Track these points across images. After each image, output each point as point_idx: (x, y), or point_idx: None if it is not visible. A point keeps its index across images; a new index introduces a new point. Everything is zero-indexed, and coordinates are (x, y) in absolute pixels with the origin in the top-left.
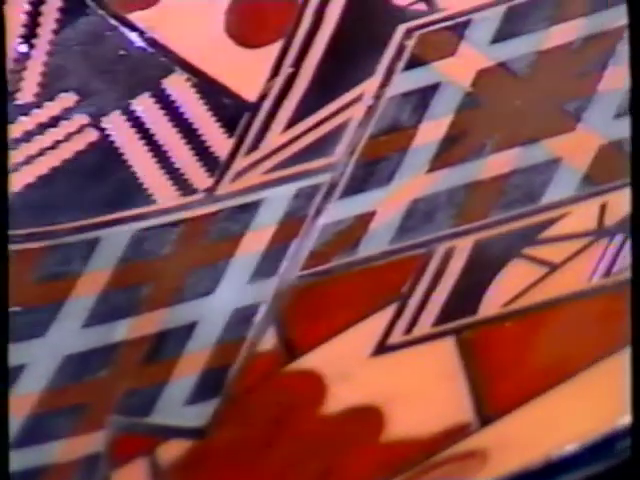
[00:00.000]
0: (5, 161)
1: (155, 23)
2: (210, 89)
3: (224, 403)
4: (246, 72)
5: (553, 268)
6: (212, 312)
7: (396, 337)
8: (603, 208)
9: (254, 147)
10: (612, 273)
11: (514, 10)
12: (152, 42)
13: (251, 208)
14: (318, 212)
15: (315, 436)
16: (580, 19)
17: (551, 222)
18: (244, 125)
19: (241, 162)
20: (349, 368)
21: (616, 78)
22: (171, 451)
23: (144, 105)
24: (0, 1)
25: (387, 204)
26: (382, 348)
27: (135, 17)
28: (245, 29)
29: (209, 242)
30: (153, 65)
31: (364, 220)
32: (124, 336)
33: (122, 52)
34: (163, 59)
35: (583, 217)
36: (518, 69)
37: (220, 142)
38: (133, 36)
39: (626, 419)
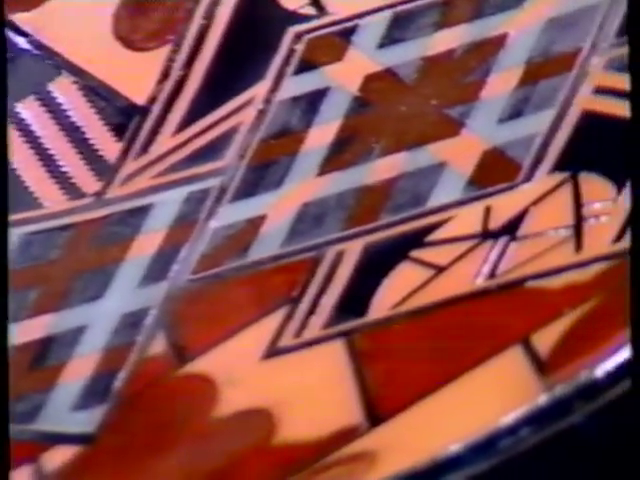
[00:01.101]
0: (5, 158)
1: (40, 25)
2: (98, 92)
3: (113, 408)
4: (135, 75)
5: (440, 270)
6: (101, 316)
7: (286, 340)
8: (487, 211)
9: (144, 151)
10: (496, 275)
11: (400, 16)
12: (37, 44)
13: (141, 212)
14: (209, 216)
15: (206, 440)
16: (464, 25)
17: (437, 225)
18: (133, 129)
19: (130, 166)
20: (240, 372)
21: (499, 84)
22: (57, 458)
23: (30, 109)
24: (0, 2)
25: (277, 208)
26: (273, 351)
27: (20, 19)
28: (133, 32)
29: (98, 246)
30: (39, 68)
31: (254, 224)
32: (12, 341)
33: (7, 55)
34: (49, 62)
35: (468, 220)
36: (404, 74)
37: (109, 146)
38: (18, 38)
39: (509, 418)
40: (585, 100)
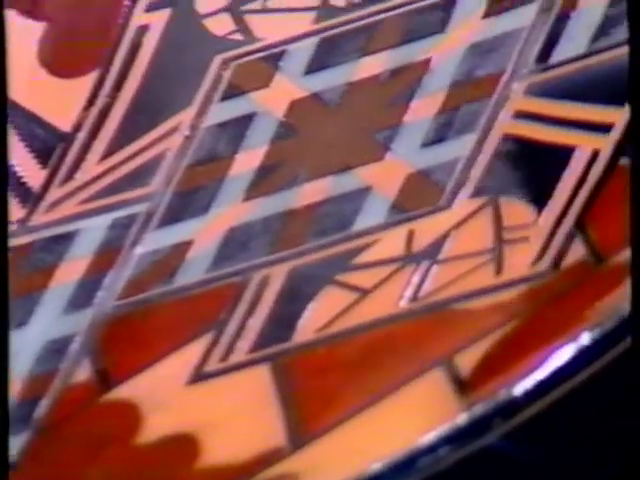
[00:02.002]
0: (5, 158)
1: None
2: (23, 119)
3: (35, 436)
4: (60, 102)
5: (364, 293)
6: (25, 344)
7: (212, 365)
8: (411, 234)
9: (69, 177)
10: (419, 297)
11: (326, 41)
12: None
13: (66, 239)
14: (135, 242)
15: (130, 466)
16: (388, 51)
17: (362, 249)
18: (58, 155)
19: (55, 193)
20: (165, 397)
21: (422, 109)
22: None
23: None
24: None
25: (204, 233)
26: (198, 376)
27: None
28: (59, 58)
29: (22, 273)
30: None
31: (181, 249)
32: None
33: None
34: None
35: (392, 243)
36: (330, 100)
37: (33, 173)
38: None
39: (429, 437)
40: (506, 125)
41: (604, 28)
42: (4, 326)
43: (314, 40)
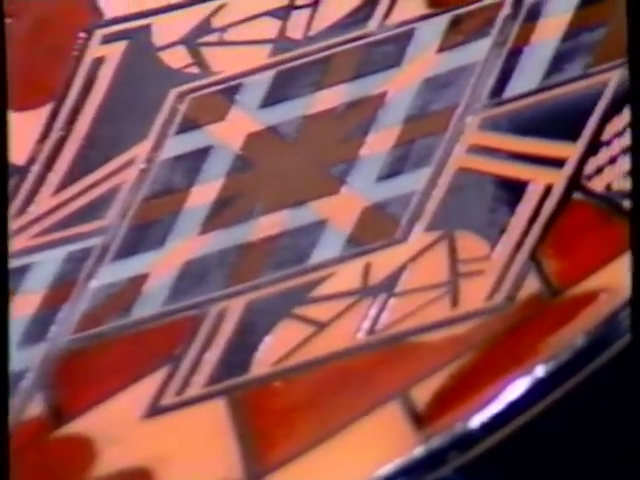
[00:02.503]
0: (5, 159)
1: None
2: None
3: None
4: (14, 135)
5: (321, 327)
6: None
7: (168, 399)
8: (367, 268)
9: (22, 211)
10: (376, 330)
11: (283, 74)
12: None
13: (20, 272)
14: (90, 275)
15: None
16: (344, 84)
17: (318, 282)
18: (12, 188)
19: (9, 226)
20: (120, 431)
21: (378, 142)
22: None
23: None
24: (0, 2)
25: (160, 266)
26: (154, 410)
27: None
28: (13, 91)
29: None
30: None
31: (137, 283)
32: None
33: None
34: None
35: (348, 276)
36: (286, 133)
37: None
38: None
39: (385, 469)
40: (460, 159)
41: (557, 63)
42: (4, 326)
43: (270, 73)
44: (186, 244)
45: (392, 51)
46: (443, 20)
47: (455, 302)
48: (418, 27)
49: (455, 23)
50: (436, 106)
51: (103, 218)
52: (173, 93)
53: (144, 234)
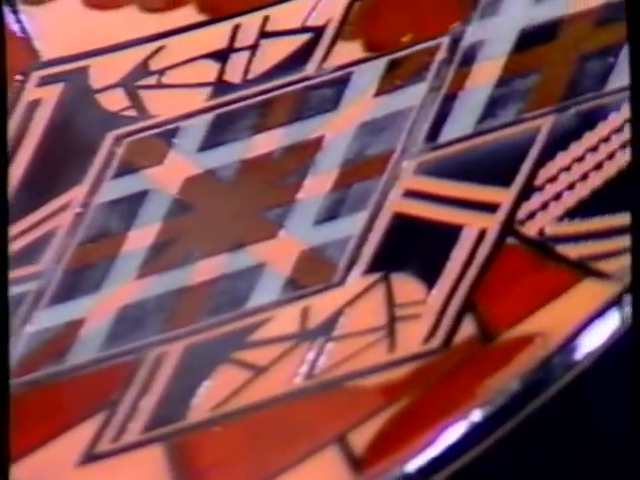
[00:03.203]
0: (5, 159)
1: None
2: None
3: None
4: None
5: (259, 371)
6: None
7: (104, 445)
8: (305, 311)
9: None
10: (314, 375)
11: (221, 118)
12: None
13: None
14: (25, 320)
15: None
16: (282, 128)
17: (256, 326)
18: None
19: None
20: (55, 478)
21: (315, 186)
22: None
23: None
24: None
25: (96, 311)
26: (89, 457)
27: None
28: None
29: None
30: None
31: (73, 328)
32: None
33: None
34: None
35: (286, 320)
36: (224, 177)
37: None
38: None
39: None
40: (396, 203)
41: (491, 109)
42: (4, 327)
43: (208, 117)
44: (123, 289)
45: (329, 95)
46: (380, 64)
47: (392, 346)
48: (356, 71)
49: (392, 67)
50: (373, 150)
51: (38, 263)
52: (110, 136)
53: (80, 279)
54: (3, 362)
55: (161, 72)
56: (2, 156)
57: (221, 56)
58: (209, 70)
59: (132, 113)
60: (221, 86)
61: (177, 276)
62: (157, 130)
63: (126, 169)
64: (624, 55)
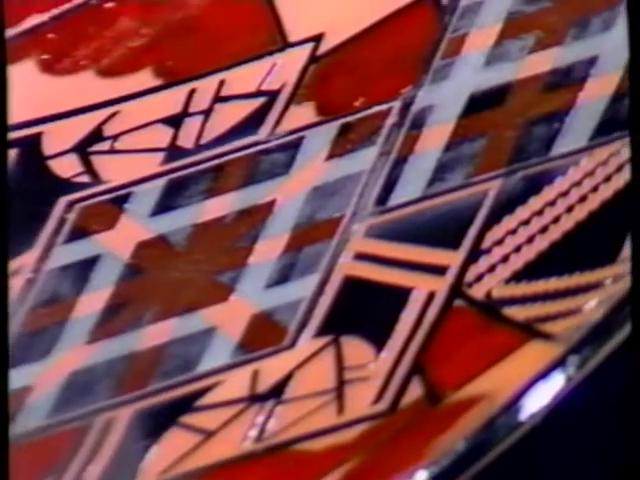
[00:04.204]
0: (5, 159)
1: None
2: None
3: None
4: None
5: (208, 435)
6: None
7: None
8: (255, 375)
9: None
10: (263, 438)
11: (174, 183)
12: None
13: None
14: None
15: None
16: (234, 193)
17: (207, 390)
18: None
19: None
20: None
21: (267, 250)
22: None
23: None
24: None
25: (45, 378)
26: None
27: None
28: None
29: None
30: None
31: (21, 394)
32: None
33: None
34: None
35: (236, 384)
36: (176, 241)
37: None
38: None
39: None
40: (347, 266)
41: (439, 173)
42: (4, 329)
43: (161, 182)
44: (72, 354)
45: (281, 159)
46: (332, 128)
47: (341, 409)
48: (308, 135)
49: (344, 131)
50: (323, 214)
51: None
52: (62, 202)
53: (29, 344)
54: None
55: (115, 137)
56: (2, 156)
57: (175, 121)
58: (163, 135)
59: (84, 179)
60: (174, 151)
61: (127, 341)
62: (109, 195)
63: (78, 234)
64: (569, 120)
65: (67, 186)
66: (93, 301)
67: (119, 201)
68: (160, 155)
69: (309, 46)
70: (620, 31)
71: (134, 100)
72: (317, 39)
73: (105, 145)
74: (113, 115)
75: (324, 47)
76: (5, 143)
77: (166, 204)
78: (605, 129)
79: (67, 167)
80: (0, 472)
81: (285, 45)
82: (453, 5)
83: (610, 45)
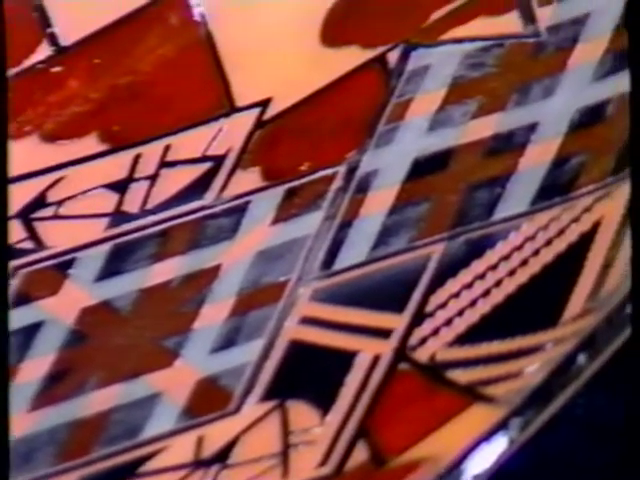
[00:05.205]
0: (5, 159)
1: None
2: None
3: None
4: None
5: None
6: None
7: None
8: (200, 440)
9: None
10: None
11: (118, 248)
12: None
13: None
14: None
15: None
16: (179, 257)
17: (151, 456)
18: None
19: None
20: None
21: (212, 314)
22: None
23: None
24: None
25: None
26: None
27: None
28: None
29: None
30: None
31: None
32: None
33: None
34: None
35: (181, 449)
36: (121, 306)
37: None
38: None
39: None
40: (292, 330)
41: (383, 237)
42: (4, 331)
43: (106, 247)
44: (14, 422)
45: (227, 224)
46: (278, 192)
47: (285, 473)
48: (253, 200)
49: (289, 195)
50: (269, 278)
51: None
52: None
53: None
54: None
55: (59, 203)
56: (2, 155)
57: (120, 186)
58: (108, 200)
59: (28, 245)
60: (119, 216)
61: (71, 407)
62: (53, 261)
63: (21, 300)
64: (511, 185)
65: (11, 252)
66: (35, 368)
67: (63, 267)
68: (105, 220)
69: (256, 111)
70: (561, 98)
71: (79, 165)
72: (264, 104)
73: (49, 211)
74: (58, 181)
75: (271, 112)
76: (5, 136)
77: (111, 269)
78: (545, 194)
79: (11, 233)
80: (0, 472)
81: (232, 110)
82: (400, 69)
83: (550, 111)
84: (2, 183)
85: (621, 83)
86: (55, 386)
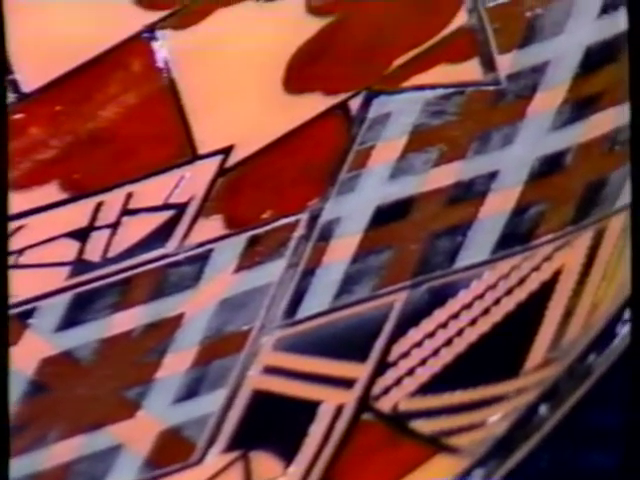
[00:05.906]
0: (5, 159)
1: None
2: None
3: None
4: None
5: None
6: None
7: None
8: None
9: None
10: None
11: (80, 297)
12: None
13: None
14: None
15: None
16: (142, 306)
17: None
18: None
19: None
20: None
21: (175, 364)
22: None
23: None
24: None
25: None
26: None
27: None
28: None
29: None
30: None
31: None
32: None
33: None
34: None
35: None
36: (82, 356)
37: None
38: None
39: None
40: (255, 379)
41: (346, 285)
42: (4, 333)
43: (67, 296)
44: None
45: (190, 272)
46: (240, 240)
47: None
48: (216, 248)
49: (252, 243)
50: (232, 327)
51: None
52: None
53: None
54: None
55: (20, 252)
56: (2, 157)
57: (82, 234)
58: (69, 249)
59: None
60: (80, 265)
61: (30, 461)
62: (13, 310)
63: None
64: (472, 233)
65: None
66: None
67: (23, 316)
68: (66, 269)
69: (218, 158)
70: (520, 146)
71: (40, 213)
72: (226, 151)
73: (10, 260)
74: (18, 229)
75: (233, 159)
76: (5, 139)
77: (72, 319)
78: (506, 242)
79: None
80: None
81: (194, 157)
82: (361, 116)
83: (510, 160)
84: (2, 176)
85: (580, 133)
86: (17, 438)
